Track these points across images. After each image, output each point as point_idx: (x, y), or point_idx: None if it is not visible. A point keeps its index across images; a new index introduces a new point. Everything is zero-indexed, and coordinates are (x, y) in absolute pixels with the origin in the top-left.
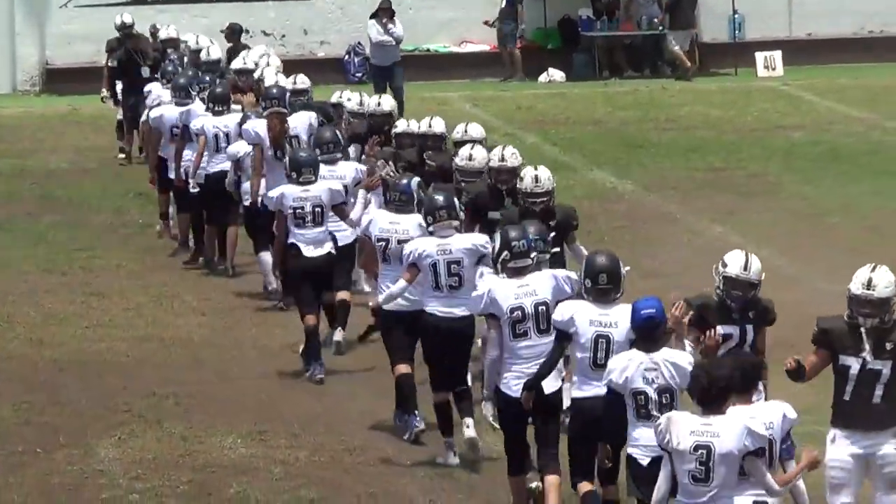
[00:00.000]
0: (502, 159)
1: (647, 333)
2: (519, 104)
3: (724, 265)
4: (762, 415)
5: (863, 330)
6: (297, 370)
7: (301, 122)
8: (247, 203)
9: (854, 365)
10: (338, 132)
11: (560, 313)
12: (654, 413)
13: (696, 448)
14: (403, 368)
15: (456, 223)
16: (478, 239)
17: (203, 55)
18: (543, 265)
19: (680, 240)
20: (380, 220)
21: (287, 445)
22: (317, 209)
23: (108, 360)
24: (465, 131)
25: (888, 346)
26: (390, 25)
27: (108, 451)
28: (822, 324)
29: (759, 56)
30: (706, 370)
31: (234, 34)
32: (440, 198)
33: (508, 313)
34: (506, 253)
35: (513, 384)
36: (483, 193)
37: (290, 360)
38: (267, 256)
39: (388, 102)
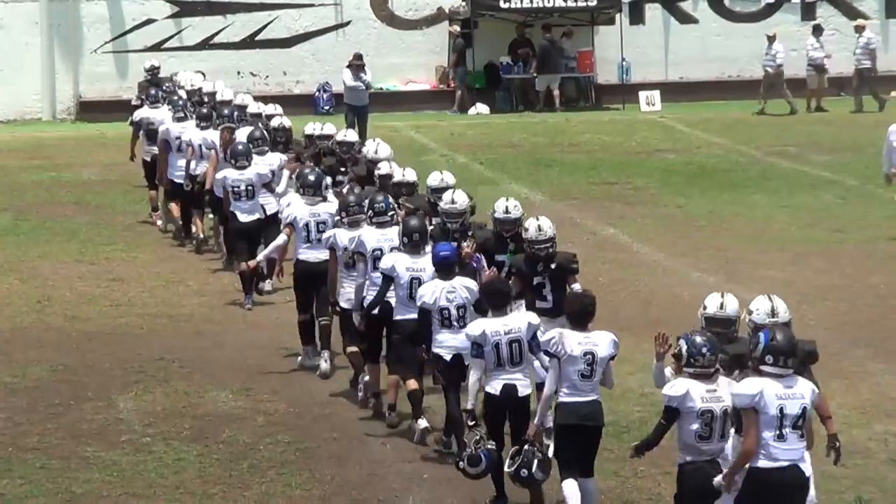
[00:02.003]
0: (506, 211)
1: (444, 268)
2: (452, 131)
3: (704, 307)
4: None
5: None
6: (277, 340)
7: (244, 134)
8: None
9: None
10: (265, 132)
11: (384, 263)
12: (454, 322)
13: (585, 354)
14: (305, 317)
15: (319, 198)
16: (333, 207)
17: (218, 97)
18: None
19: (581, 239)
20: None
21: (268, 399)
22: (249, 187)
23: (126, 331)
24: (442, 179)
25: None
26: (361, 74)
27: (126, 403)
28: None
29: (642, 94)
30: (579, 299)
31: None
32: (312, 177)
33: (371, 252)
34: (370, 211)
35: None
36: (489, 240)
37: (273, 332)
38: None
39: (384, 151)
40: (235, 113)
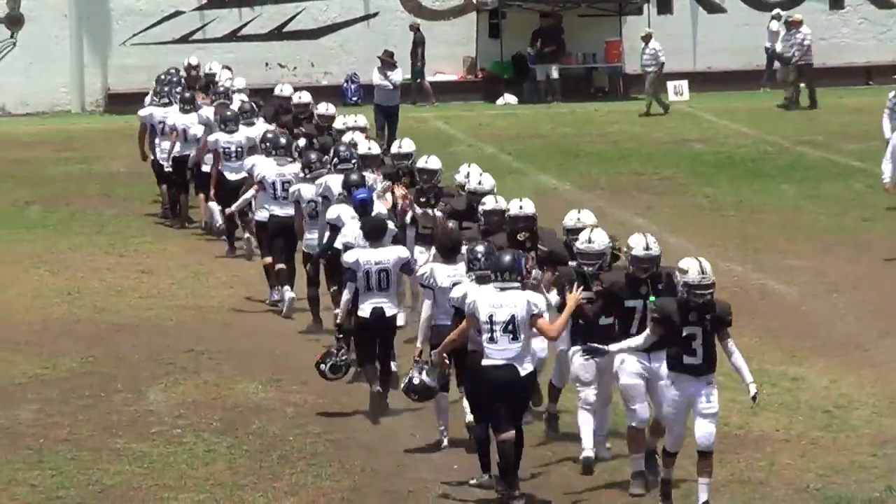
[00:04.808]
0: (646, 248)
1: (361, 210)
2: (480, 122)
3: None
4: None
5: None
6: (306, 331)
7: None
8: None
9: None
10: (254, 105)
11: (330, 213)
12: None
13: (454, 284)
14: (269, 260)
15: (289, 159)
16: (296, 167)
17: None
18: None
19: (608, 230)
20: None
21: (298, 391)
22: (239, 149)
23: (156, 323)
24: (579, 219)
25: None
26: (389, 72)
27: (156, 395)
28: None
29: (670, 84)
30: (448, 235)
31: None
32: (282, 140)
33: (336, 197)
34: (335, 159)
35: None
36: (619, 283)
37: (301, 322)
38: (214, 205)
39: (488, 181)
40: (231, 92)
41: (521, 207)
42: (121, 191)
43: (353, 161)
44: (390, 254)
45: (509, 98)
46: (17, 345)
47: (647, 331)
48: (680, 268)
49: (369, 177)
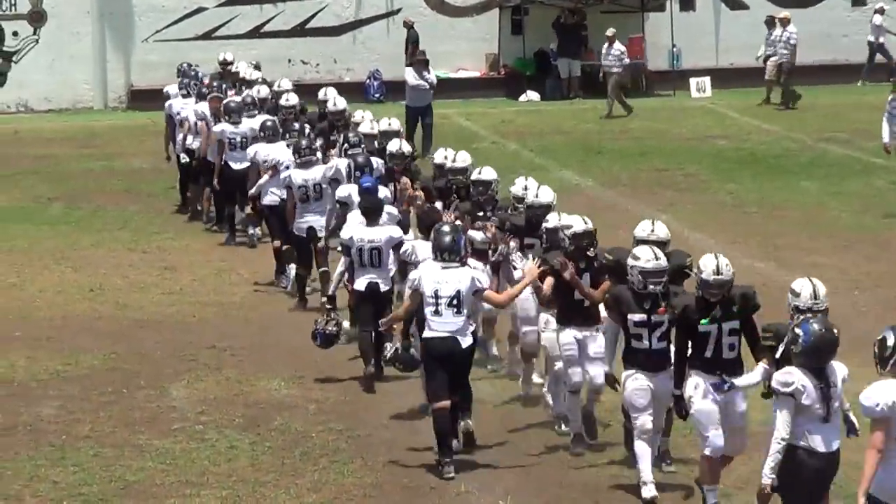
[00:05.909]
0: (717, 272)
1: (365, 196)
2: (503, 118)
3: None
4: None
5: None
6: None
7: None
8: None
9: None
10: (255, 99)
11: (340, 192)
12: None
13: None
14: (277, 244)
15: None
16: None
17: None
18: None
19: (631, 226)
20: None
21: (320, 387)
22: (243, 139)
23: (178, 320)
24: (653, 230)
25: None
26: (425, 73)
27: (178, 391)
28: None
29: (693, 81)
30: (429, 215)
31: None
32: (271, 123)
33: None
34: (346, 144)
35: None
36: (691, 307)
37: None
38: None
39: (547, 195)
40: (224, 87)
41: (585, 225)
42: (143, 187)
43: (362, 146)
44: (383, 233)
45: (532, 95)
46: (39, 341)
47: (762, 365)
48: (792, 289)
49: (377, 161)
